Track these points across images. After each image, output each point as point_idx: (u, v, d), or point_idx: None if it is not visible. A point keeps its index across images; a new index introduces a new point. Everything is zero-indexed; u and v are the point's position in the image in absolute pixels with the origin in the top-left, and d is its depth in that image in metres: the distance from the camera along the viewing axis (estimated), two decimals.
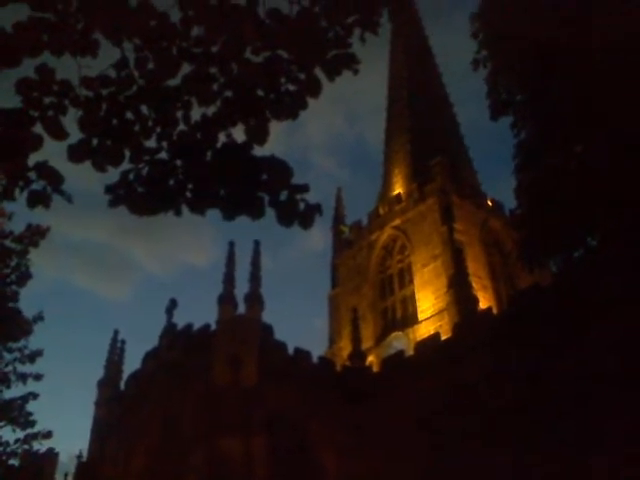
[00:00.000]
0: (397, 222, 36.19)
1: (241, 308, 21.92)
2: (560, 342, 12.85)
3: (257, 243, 23.86)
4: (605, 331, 10.93)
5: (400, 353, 23.08)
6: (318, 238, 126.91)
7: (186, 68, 3.53)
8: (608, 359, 11.40)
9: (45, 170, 3.46)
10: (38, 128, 3.38)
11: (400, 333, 31.78)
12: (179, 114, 3.56)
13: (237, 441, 18.27)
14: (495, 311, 23.08)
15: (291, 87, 3.58)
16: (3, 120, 3.33)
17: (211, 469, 17.87)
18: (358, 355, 24.88)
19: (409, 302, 33.38)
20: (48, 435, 14.95)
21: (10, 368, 14.63)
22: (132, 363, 31.18)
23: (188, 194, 3.46)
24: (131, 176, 3.44)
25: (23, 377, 14.75)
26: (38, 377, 15.08)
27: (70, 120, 3.41)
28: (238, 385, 19.22)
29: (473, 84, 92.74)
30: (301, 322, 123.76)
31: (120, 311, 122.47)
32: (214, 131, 3.53)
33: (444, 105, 44.37)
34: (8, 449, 14.50)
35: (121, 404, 24.39)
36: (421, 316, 31.47)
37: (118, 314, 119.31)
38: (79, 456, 25.45)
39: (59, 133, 3.41)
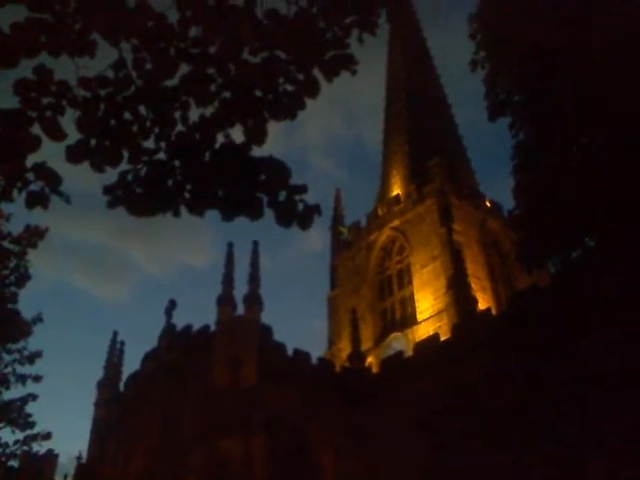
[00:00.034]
0: (396, 223, 36.20)
1: (240, 309, 21.94)
2: (558, 343, 12.85)
3: (256, 244, 23.88)
4: (603, 332, 10.92)
5: (399, 354, 23.08)
6: (317, 239, 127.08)
7: (184, 69, 3.53)
8: (606, 360, 11.39)
9: (43, 171, 3.46)
10: (36, 129, 3.38)
11: (399, 334, 31.78)
12: (177, 115, 3.56)
13: (236, 442, 18.26)
14: (494, 312, 23.07)
15: (289, 88, 3.58)
16: (1, 121, 3.32)
17: (210, 470, 17.86)
18: (357, 356, 24.88)
19: (408, 303, 33.39)
20: (47, 436, 14.91)
21: (9, 369, 14.59)
22: (131, 364, 31.23)
23: (187, 195, 3.46)
24: (129, 177, 3.43)
25: (22, 378, 14.72)
26: (37, 378, 15.04)
27: (68, 121, 3.41)
28: (237, 386, 19.21)
29: (471, 85, 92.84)
30: (300, 323, 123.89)
31: (119, 312, 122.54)
32: (212, 132, 3.53)
33: (442, 106, 44.40)
34: (7, 450, 14.46)
35: (120, 405, 24.38)
36: (420, 317, 31.48)
37: (117, 315, 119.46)
38: (79, 457, 25.42)
39: (57, 134, 3.41)
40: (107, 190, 3.42)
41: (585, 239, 11.86)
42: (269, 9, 3.52)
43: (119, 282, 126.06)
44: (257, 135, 3.53)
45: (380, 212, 37.94)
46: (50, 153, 3.75)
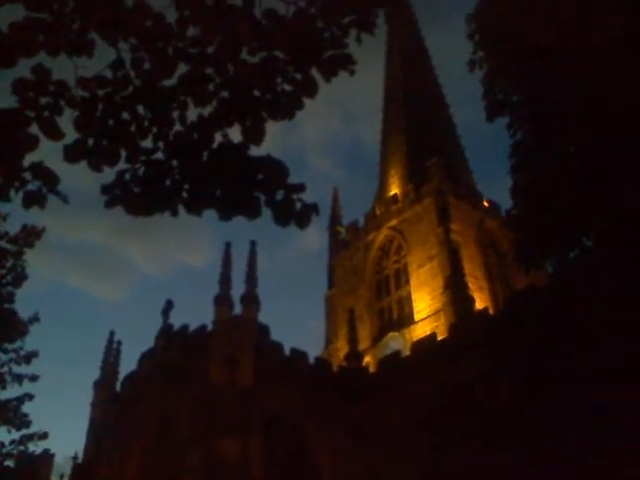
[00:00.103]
0: (393, 223, 36.23)
1: (237, 309, 21.94)
2: (556, 343, 12.87)
3: (253, 243, 23.89)
4: (601, 331, 10.94)
5: (397, 353, 23.11)
6: (314, 238, 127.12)
7: (182, 68, 3.53)
8: (604, 359, 11.41)
9: (41, 170, 3.45)
10: (34, 128, 3.38)
11: (396, 334, 31.82)
12: (175, 114, 3.56)
13: (234, 442, 18.26)
14: (491, 312, 23.13)
15: (287, 87, 3.58)
16: None
17: (207, 470, 17.85)
18: (355, 356, 24.89)
19: (405, 303, 33.43)
20: (44, 436, 14.88)
21: (6, 369, 14.56)
22: (128, 364, 31.11)
23: (184, 194, 3.46)
24: (127, 176, 3.43)
25: (19, 378, 14.68)
26: (34, 378, 15.01)
27: (66, 120, 3.40)
28: (234, 386, 19.22)
29: (469, 85, 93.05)
30: (297, 323, 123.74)
31: (116, 312, 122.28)
32: (210, 131, 3.53)
33: (440, 106, 44.45)
34: (3, 450, 14.43)
35: (117, 405, 24.35)
36: (417, 316, 31.52)
37: (114, 315, 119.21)
38: (75, 457, 25.43)
39: (55, 133, 3.40)
40: (105, 190, 3.41)
41: (583, 239, 11.87)
42: (267, 9, 3.52)
43: (116, 282, 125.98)
44: (255, 135, 3.53)
45: (378, 212, 37.96)
46: (48, 153, 3.75)
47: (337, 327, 35.26)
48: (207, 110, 3.56)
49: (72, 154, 3.42)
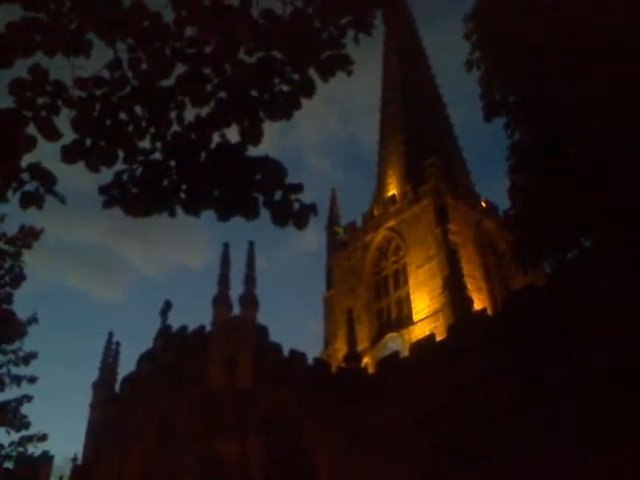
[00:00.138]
0: (392, 223, 36.23)
1: (236, 309, 21.94)
2: (554, 343, 12.87)
3: (251, 244, 23.90)
4: (600, 331, 10.93)
5: (395, 354, 23.11)
6: (312, 239, 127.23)
7: (180, 69, 3.52)
8: (604, 359, 11.41)
9: (38, 171, 3.45)
10: (31, 129, 3.37)
11: (395, 334, 31.81)
12: (173, 115, 3.55)
13: (232, 443, 18.26)
14: (490, 312, 23.14)
15: (285, 88, 3.57)
16: None
17: (206, 470, 17.84)
18: (353, 356, 24.90)
19: (404, 303, 33.43)
20: (43, 438, 14.87)
21: (4, 370, 14.55)
22: (127, 365, 31.20)
23: (182, 195, 3.45)
24: (125, 177, 3.42)
25: (17, 379, 14.67)
26: (32, 379, 15.00)
27: (63, 121, 3.40)
28: (233, 387, 19.21)
29: (467, 85, 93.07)
30: (296, 323, 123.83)
31: (114, 313, 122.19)
32: (208, 132, 3.52)
33: (438, 106, 44.49)
34: (3, 452, 14.42)
35: (116, 406, 24.33)
36: (416, 317, 31.52)
37: (112, 316, 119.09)
38: (74, 459, 25.38)
39: (52, 134, 3.40)
40: (102, 190, 3.41)
41: (581, 239, 11.87)
42: (265, 9, 3.52)
43: (114, 283, 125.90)
44: (253, 135, 3.52)
45: (376, 212, 37.97)
46: (45, 153, 3.74)
47: (336, 328, 35.24)
48: (205, 110, 3.55)
49: (70, 155, 3.42)
